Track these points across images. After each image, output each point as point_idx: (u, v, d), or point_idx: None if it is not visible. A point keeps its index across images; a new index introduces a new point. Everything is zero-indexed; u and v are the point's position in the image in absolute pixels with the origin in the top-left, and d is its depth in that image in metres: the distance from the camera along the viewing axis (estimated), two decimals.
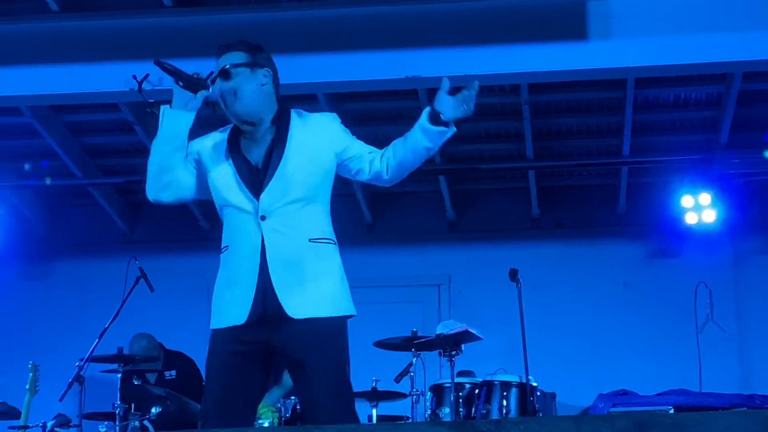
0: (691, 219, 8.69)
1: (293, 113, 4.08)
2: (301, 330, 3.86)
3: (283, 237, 3.91)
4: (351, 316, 4.00)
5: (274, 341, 3.91)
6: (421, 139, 3.94)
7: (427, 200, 9.48)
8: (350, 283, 4.02)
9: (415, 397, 6.67)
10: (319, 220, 4.00)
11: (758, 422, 3.13)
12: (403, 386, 6.76)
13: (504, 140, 8.94)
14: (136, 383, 6.99)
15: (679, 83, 8.09)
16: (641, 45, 6.53)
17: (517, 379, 6.57)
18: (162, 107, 3.99)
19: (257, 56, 4.04)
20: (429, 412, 6.73)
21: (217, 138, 4.09)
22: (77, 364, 6.61)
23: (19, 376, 7.03)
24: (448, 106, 3.91)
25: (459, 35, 6.60)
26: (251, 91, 3.99)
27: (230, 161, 4.01)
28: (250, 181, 3.97)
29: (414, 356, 6.65)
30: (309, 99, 7.66)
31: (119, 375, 6.63)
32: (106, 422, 6.82)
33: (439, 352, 6.61)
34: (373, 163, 4.03)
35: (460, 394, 6.61)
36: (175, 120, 3.97)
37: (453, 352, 6.47)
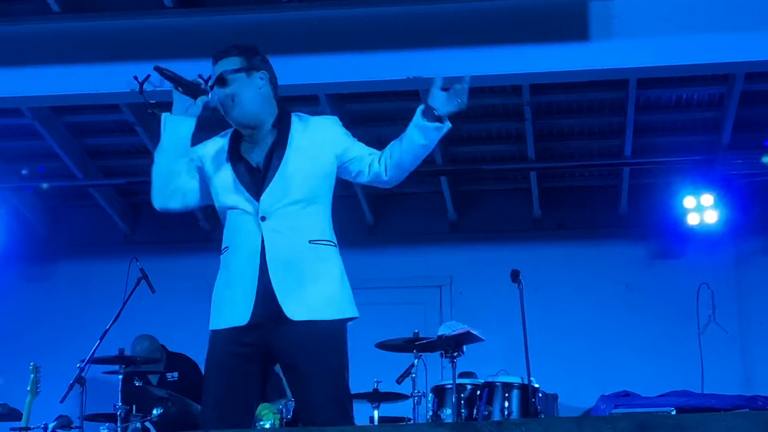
0: (693, 220, 8.68)
1: (294, 117, 4.09)
2: (299, 332, 3.85)
3: (283, 238, 3.91)
4: (352, 319, 3.99)
5: (272, 343, 3.90)
6: (416, 137, 3.95)
7: (429, 201, 9.48)
8: (351, 284, 4.01)
9: (416, 398, 6.66)
10: (319, 221, 3.99)
11: (760, 423, 3.13)
12: (405, 387, 6.75)
13: (505, 141, 8.93)
14: (137, 384, 6.99)
15: (681, 84, 8.08)
16: (643, 45, 6.53)
17: (519, 381, 6.55)
18: (163, 115, 4.00)
19: (252, 60, 4.05)
20: (430, 413, 6.72)
21: (218, 143, 4.10)
22: (78, 365, 6.61)
23: (20, 378, 7.02)
24: (442, 101, 3.92)
25: (460, 36, 6.59)
26: (249, 96, 4.00)
27: (231, 164, 4.02)
28: (251, 183, 3.98)
29: (415, 357, 6.64)
30: (310, 100, 7.66)
31: (120, 376, 6.62)
32: (107, 423, 6.82)
33: (441, 354, 6.60)
34: (373, 164, 4.03)
35: (462, 395, 6.60)
36: (176, 126, 3.98)
37: (454, 354, 6.46)
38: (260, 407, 6.31)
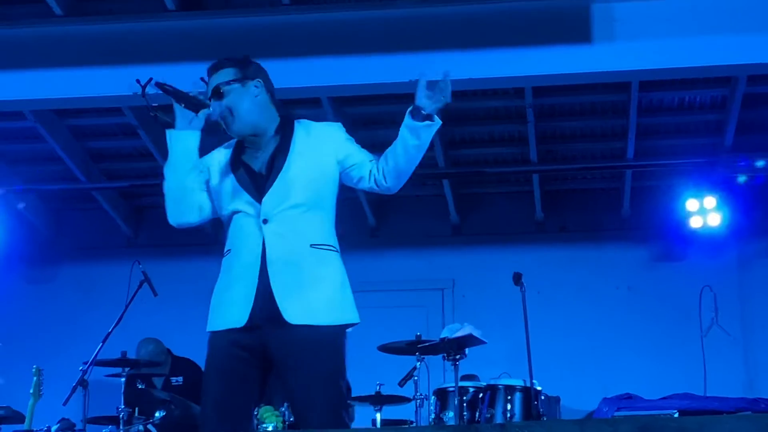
0: (695, 222, 8.67)
1: (297, 124, 4.10)
2: (297, 336, 3.85)
3: (284, 240, 3.92)
4: (352, 325, 3.98)
5: (270, 345, 3.90)
6: (408, 138, 3.97)
7: (431, 204, 9.48)
8: (354, 287, 4.00)
9: (419, 401, 6.66)
10: (321, 226, 4.00)
11: (763, 426, 3.13)
12: (407, 390, 6.75)
13: (508, 144, 8.93)
14: (140, 387, 6.99)
15: (683, 86, 8.08)
16: (645, 48, 6.53)
17: (522, 383, 6.55)
18: (167, 132, 4.01)
19: (246, 70, 4.06)
20: (433, 416, 6.72)
21: (223, 153, 4.12)
22: (81, 368, 6.61)
23: (23, 380, 7.02)
24: (428, 99, 3.94)
25: (463, 38, 6.59)
26: (246, 106, 4.01)
27: (234, 169, 4.03)
28: (253, 186, 3.99)
29: (418, 360, 6.64)
30: (312, 103, 7.66)
31: (123, 379, 6.62)
32: (110, 426, 6.82)
33: (443, 356, 6.60)
34: (373, 171, 4.05)
35: (464, 398, 6.60)
36: (182, 141, 4.00)
37: (457, 356, 6.46)
38: (263, 410, 6.32)
